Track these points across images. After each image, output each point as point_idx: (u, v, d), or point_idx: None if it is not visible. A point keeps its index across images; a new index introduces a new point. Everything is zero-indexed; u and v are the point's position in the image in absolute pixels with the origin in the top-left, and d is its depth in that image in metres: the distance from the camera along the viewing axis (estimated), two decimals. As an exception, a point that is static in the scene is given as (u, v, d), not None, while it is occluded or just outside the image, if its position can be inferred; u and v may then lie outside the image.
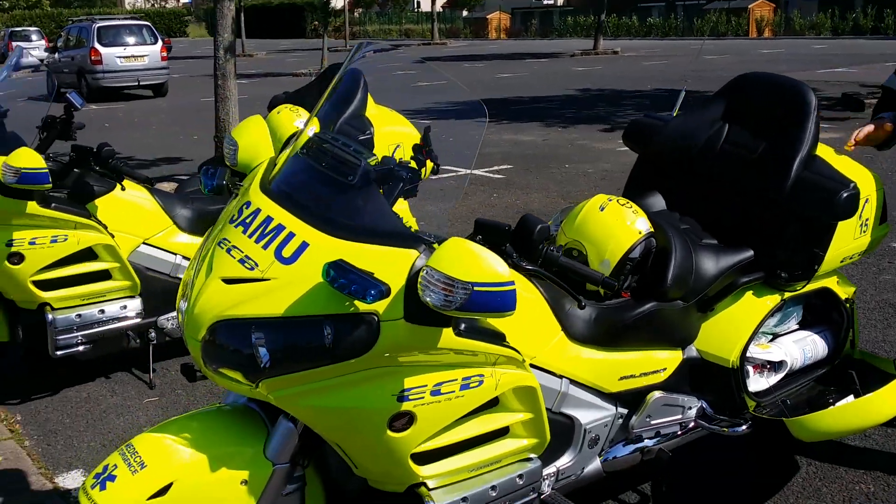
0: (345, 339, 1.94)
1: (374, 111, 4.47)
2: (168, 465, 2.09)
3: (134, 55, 19.20)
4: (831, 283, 3.11)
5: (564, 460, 2.67)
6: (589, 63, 25.86)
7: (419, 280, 1.88)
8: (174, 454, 2.11)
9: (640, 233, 2.70)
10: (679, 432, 2.91)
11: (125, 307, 4.00)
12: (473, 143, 2.42)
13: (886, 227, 3.15)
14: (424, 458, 2.22)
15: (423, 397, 2.08)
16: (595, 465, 2.77)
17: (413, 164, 2.45)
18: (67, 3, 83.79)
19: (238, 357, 2.03)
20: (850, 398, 2.98)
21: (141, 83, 19.35)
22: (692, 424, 2.92)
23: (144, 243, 4.06)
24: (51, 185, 3.49)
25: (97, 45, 18.76)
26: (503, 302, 1.86)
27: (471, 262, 1.85)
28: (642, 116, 3.46)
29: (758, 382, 2.99)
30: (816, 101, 2.97)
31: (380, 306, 1.93)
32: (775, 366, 3.03)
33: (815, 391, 3.11)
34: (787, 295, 2.95)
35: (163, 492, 2.06)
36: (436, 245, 1.97)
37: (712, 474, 3.27)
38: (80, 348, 3.93)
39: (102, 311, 3.94)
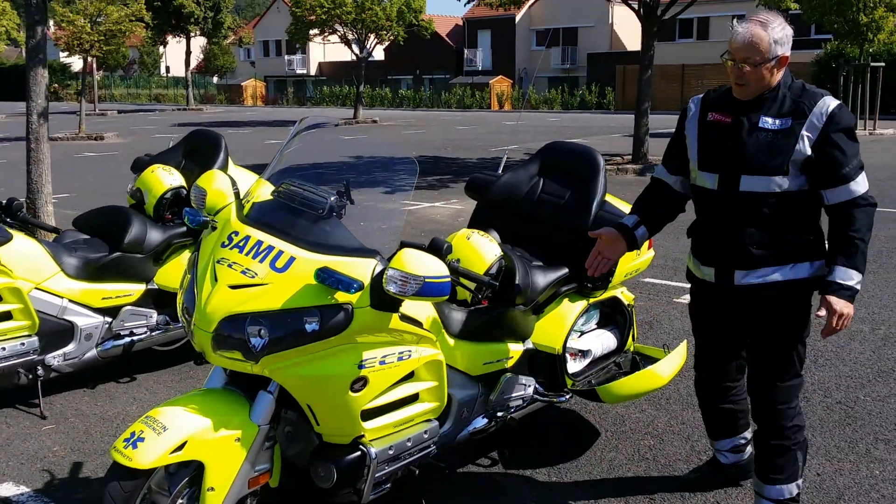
0: (329, 321, 2.76)
1: (235, 171, 5.23)
2: (183, 428, 2.77)
3: None
4: (619, 293, 4.29)
5: (445, 428, 3.57)
6: (353, 132, 27.27)
7: (384, 277, 2.75)
8: (186, 420, 2.80)
9: (496, 256, 3.71)
10: (522, 405, 3.91)
11: (24, 344, 4.41)
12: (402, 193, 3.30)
13: (652, 252, 4.39)
14: (366, 415, 3.04)
15: (374, 365, 2.93)
16: (464, 432, 3.69)
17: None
18: None
19: (240, 343, 2.78)
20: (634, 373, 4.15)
21: None
22: (531, 398, 3.94)
23: (36, 288, 4.50)
24: (-23, 234, 3.93)
25: None
26: (443, 289, 2.78)
27: (420, 263, 2.75)
28: (478, 174, 4.50)
29: (573, 366, 4.07)
30: (603, 162, 4.17)
31: (353, 298, 2.78)
32: (584, 354, 4.12)
33: (611, 372, 4.25)
34: (591, 300, 4.07)
35: (180, 448, 2.75)
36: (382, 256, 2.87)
37: (542, 444, 4.28)
38: (-20, 384, 4.30)
39: (4, 349, 4.34)
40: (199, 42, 53.31)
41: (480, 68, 54.31)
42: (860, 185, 3.01)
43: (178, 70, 66.19)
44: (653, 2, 15.30)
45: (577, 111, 43.42)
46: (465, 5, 18.93)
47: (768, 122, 3.04)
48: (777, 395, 3.21)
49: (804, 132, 2.99)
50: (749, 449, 3.71)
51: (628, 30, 47.49)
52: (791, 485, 3.28)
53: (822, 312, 2.99)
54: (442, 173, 15.96)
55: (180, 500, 2.87)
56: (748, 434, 3.69)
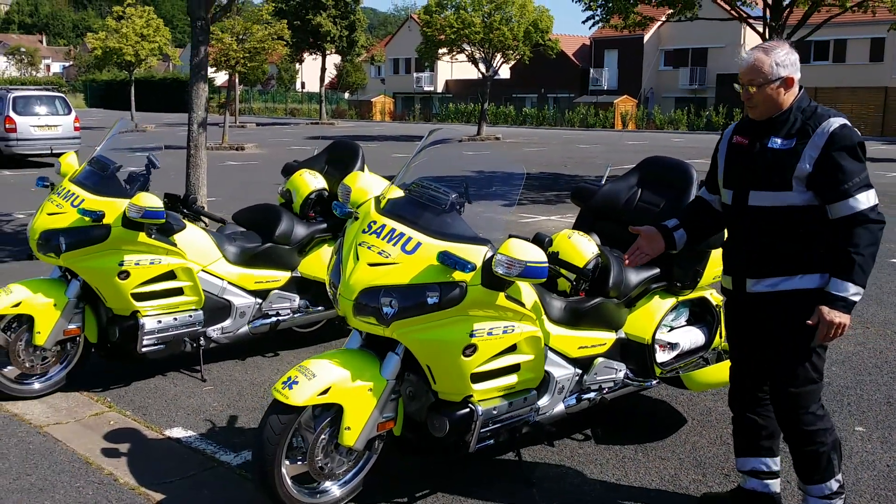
0: (447, 296, 3.39)
1: (369, 176, 5.94)
2: (328, 376, 3.45)
3: (48, 124, 19.95)
4: (709, 294, 4.74)
5: (543, 401, 4.12)
6: (476, 147, 28.05)
7: (493, 261, 3.36)
8: (331, 371, 3.48)
9: (593, 254, 4.25)
10: (614, 387, 4.42)
11: (191, 317, 5.23)
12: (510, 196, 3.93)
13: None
14: (475, 378, 3.64)
15: (483, 335, 3.53)
16: (560, 407, 4.23)
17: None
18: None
19: (375, 311, 3.43)
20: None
21: (53, 151, 20.04)
22: (622, 382, 4.45)
23: (203, 270, 5.31)
24: (164, 221, 4.77)
25: (11, 114, 19.42)
26: (541, 272, 3.36)
27: (524, 250, 3.34)
28: (583, 183, 5.06)
29: (661, 356, 4.54)
30: (696, 174, 4.65)
31: (467, 277, 3.39)
32: (672, 346, 4.59)
33: (699, 365, 4.69)
34: (680, 298, 4.55)
35: (325, 392, 3.42)
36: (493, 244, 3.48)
37: (632, 426, 4.77)
38: (156, 348, 5.13)
39: (176, 319, 5.16)
40: (333, 59, 55.53)
41: (606, 87, 54.36)
42: (861, 201, 3.18)
43: (312, 86, 69.03)
44: (777, 25, 15.38)
45: (702, 132, 42.92)
46: (589, 28, 19.35)
47: (777, 142, 3.30)
48: (792, 400, 3.38)
49: (806, 150, 3.22)
50: (771, 484, 3.67)
51: (760, 51, 46.56)
52: (830, 481, 3.45)
53: (813, 321, 3.22)
54: (560, 189, 16.46)
55: (323, 436, 3.55)
56: (773, 465, 3.66)
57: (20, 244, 9.83)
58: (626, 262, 3.81)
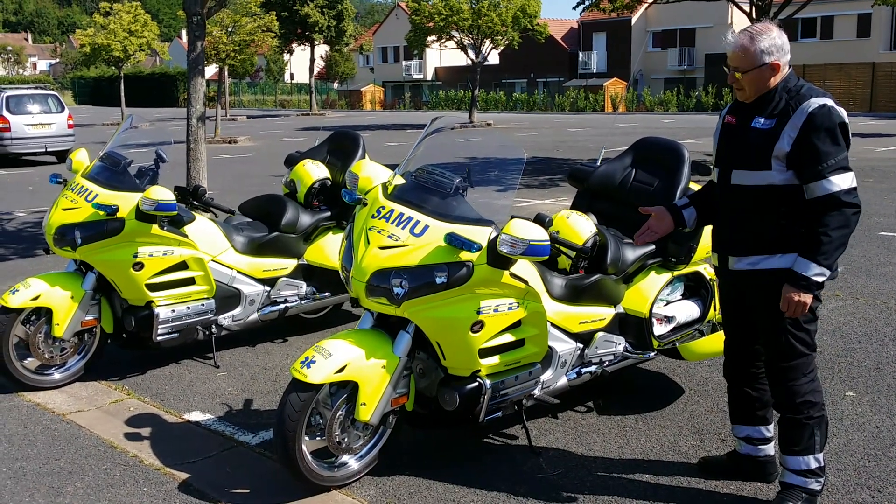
0: (455, 275, 3.57)
1: (370, 164, 6.11)
2: (344, 355, 3.63)
3: (42, 122, 20.02)
4: (703, 269, 4.93)
5: (547, 375, 4.31)
6: (468, 134, 28.15)
7: (498, 241, 3.54)
8: (346, 350, 3.66)
9: (591, 233, 4.43)
10: (614, 360, 4.61)
11: (203, 305, 5.40)
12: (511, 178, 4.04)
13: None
14: (483, 354, 3.82)
15: (489, 312, 3.72)
16: (563, 380, 4.42)
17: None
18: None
19: (386, 291, 3.61)
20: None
21: (48, 150, 20.14)
22: (621, 355, 4.64)
23: (213, 260, 5.48)
24: (176, 213, 4.94)
25: (5, 113, 19.50)
26: (544, 250, 3.54)
27: (527, 230, 3.52)
28: (579, 165, 5.24)
29: (658, 329, 4.73)
30: (688, 154, 4.83)
31: (473, 257, 3.57)
32: (669, 319, 4.78)
33: (695, 337, 4.89)
34: (675, 273, 4.74)
35: (342, 370, 3.60)
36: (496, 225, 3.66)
37: (632, 397, 4.96)
38: (170, 336, 5.30)
39: (189, 308, 5.33)
40: (321, 50, 55.47)
41: (595, 71, 54.49)
42: (836, 183, 3.21)
43: (301, 77, 68.93)
44: (763, 4, 15.54)
45: (692, 113, 43.12)
46: (580, 13, 19.58)
47: (760, 122, 3.36)
48: (782, 373, 3.48)
49: (786, 130, 3.28)
50: (765, 448, 3.82)
51: (747, 30, 46.63)
52: (808, 457, 3.49)
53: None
54: (553, 173, 16.65)
55: (339, 413, 3.73)
56: (766, 432, 3.81)
57: (23, 241, 9.99)
58: (636, 240, 3.90)
